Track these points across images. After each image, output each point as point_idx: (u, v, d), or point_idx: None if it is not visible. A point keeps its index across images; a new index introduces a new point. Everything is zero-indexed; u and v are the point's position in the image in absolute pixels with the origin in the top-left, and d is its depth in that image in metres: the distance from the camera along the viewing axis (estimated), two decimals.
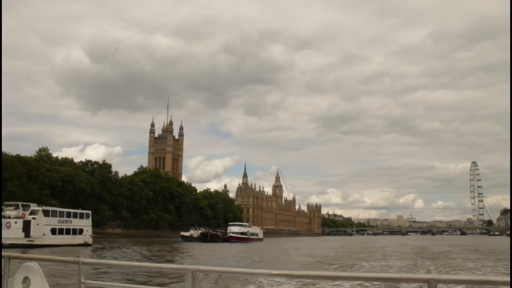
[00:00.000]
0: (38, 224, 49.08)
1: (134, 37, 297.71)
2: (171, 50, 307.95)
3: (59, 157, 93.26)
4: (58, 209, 55.34)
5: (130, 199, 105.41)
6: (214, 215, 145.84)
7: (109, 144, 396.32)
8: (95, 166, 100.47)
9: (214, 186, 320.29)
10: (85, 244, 54.18)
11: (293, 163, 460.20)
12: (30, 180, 79.35)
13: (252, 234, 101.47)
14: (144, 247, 57.31)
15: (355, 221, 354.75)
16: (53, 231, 51.31)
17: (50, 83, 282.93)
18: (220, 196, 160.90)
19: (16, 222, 47.77)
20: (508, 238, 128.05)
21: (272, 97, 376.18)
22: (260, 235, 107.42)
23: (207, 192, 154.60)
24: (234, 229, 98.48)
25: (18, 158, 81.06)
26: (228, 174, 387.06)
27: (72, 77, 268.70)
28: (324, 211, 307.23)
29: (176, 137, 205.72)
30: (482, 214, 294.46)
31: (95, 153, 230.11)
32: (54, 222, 51.85)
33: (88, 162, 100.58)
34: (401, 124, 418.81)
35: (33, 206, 51.81)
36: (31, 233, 48.21)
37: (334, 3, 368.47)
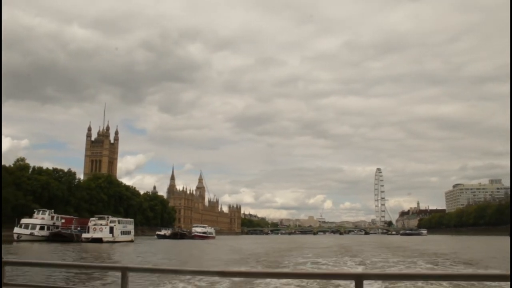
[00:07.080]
0: (116, 228, 69.23)
1: (48, 26, 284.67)
2: (88, 43, 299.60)
3: (35, 167, 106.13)
4: (122, 219, 76.41)
5: (89, 202, 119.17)
6: (154, 216, 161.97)
7: (16, 136, 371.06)
8: (61, 173, 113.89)
9: (127, 182, 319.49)
10: (132, 241, 73.71)
11: (208, 162, 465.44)
12: (16, 188, 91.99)
13: (209, 233, 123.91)
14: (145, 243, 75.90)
15: (269, 221, 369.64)
16: (121, 233, 71.40)
17: None
18: (159, 199, 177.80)
19: (105, 228, 67.49)
20: (401, 237, 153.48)
21: (188, 95, 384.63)
22: (214, 234, 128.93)
23: (147, 195, 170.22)
24: (198, 229, 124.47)
25: (4, 168, 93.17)
26: (141, 171, 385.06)
27: None
28: None
29: (112, 141, 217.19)
30: (383, 216, 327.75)
31: None
32: (121, 227, 72.22)
33: (54, 170, 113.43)
34: (314, 127, 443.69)
35: (111, 217, 71.38)
36: (114, 234, 67.94)
37: (255, 7, 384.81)
